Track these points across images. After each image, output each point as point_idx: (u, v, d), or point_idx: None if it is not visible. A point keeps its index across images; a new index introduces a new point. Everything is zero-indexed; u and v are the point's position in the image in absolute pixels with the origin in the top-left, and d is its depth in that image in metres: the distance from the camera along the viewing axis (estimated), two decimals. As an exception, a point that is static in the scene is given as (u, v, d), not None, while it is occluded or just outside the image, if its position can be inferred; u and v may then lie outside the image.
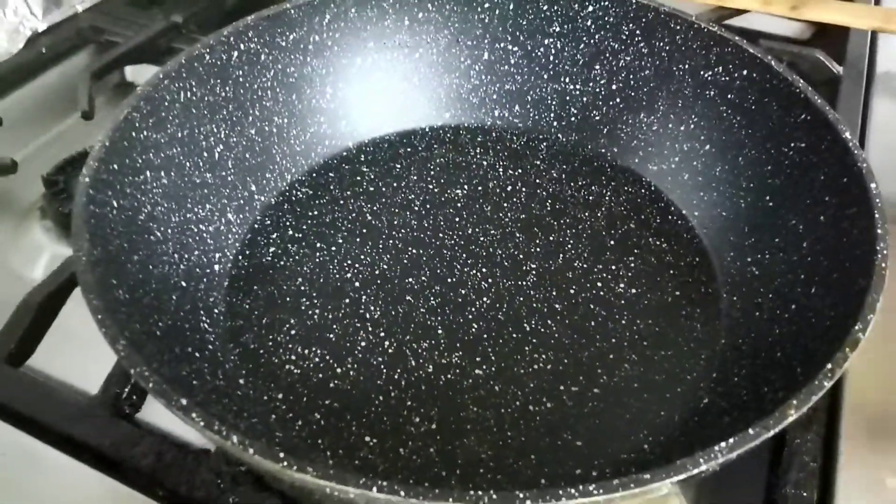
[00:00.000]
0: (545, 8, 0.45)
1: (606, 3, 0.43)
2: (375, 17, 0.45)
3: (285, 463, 0.22)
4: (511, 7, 0.45)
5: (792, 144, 0.37)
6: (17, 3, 0.56)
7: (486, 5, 0.45)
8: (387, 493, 0.21)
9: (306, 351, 0.35)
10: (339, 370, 0.35)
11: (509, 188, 0.44)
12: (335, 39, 0.44)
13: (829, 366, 0.25)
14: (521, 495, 0.21)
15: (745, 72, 0.39)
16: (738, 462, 0.32)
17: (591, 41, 0.45)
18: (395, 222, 0.42)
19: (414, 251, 0.40)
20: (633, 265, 0.40)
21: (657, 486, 0.22)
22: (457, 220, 0.42)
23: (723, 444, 0.23)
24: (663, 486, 0.22)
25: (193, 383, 0.31)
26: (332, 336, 0.36)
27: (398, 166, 0.45)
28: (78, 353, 0.39)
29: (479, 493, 0.21)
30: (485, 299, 0.38)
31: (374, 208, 0.43)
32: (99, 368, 0.36)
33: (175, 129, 0.37)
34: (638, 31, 0.43)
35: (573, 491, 0.21)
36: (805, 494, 0.32)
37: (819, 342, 0.29)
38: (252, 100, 0.42)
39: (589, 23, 0.44)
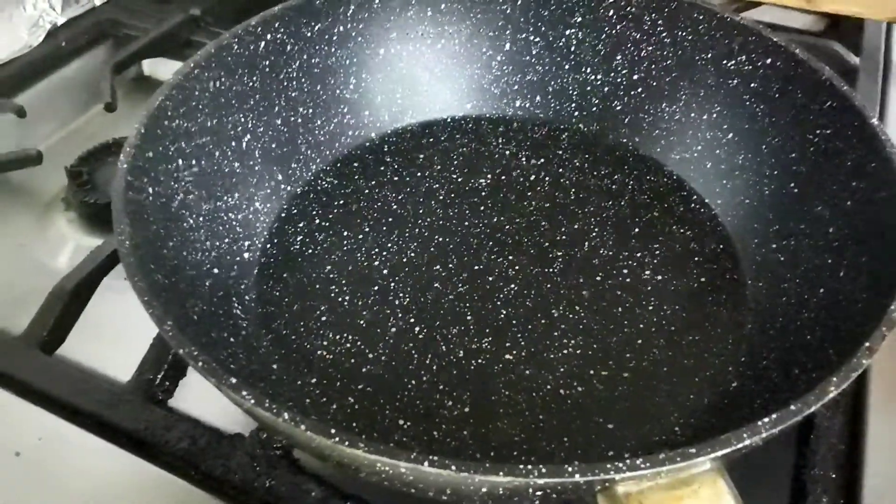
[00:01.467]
0: (567, -2, 0.45)
1: (628, -8, 0.44)
2: (399, 7, 0.45)
3: (337, 438, 0.22)
4: (533, -3, 0.46)
5: (817, 131, 0.37)
6: (37, -4, 0.56)
7: (508, -4, 0.46)
8: (437, 468, 0.22)
9: (338, 337, 0.36)
10: (370, 355, 0.35)
11: (532, 178, 0.44)
12: (359, 30, 0.45)
13: (868, 344, 0.25)
14: (570, 469, 0.22)
15: (768, 60, 0.39)
16: (766, 445, 0.33)
17: (613, 31, 0.45)
18: (421, 211, 0.42)
19: (440, 239, 0.41)
20: (657, 252, 0.40)
21: (702, 460, 0.22)
22: (481, 208, 0.43)
23: (766, 419, 0.23)
24: (708, 460, 0.23)
25: (231, 367, 0.31)
26: (362, 322, 0.36)
27: (421, 156, 0.46)
28: (107, 342, 0.39)
29: (529, 466, 0.21)
30: (512, 286, 0.38)
31: (399, 197, 0.43)
32: (128, 356, 0.36)
33: (205, 119, 0.38)
34: (660, 21, 0.43)
35: (621, 465, 0.22)
36: (833, 476, 0.32)
37: (851, 324, 0.29)
38: (278, 90, 0.42)
39: (611, 13, 0.45)
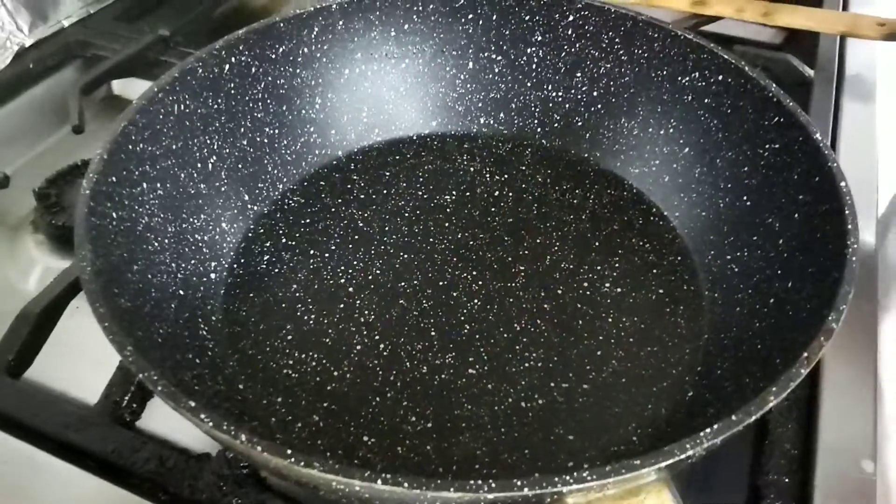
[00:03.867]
0: (527, 18, 0.46)
1: (586, 12, 0.45)
2: (362, 28, 0.46)
3: (292, 459, 0.23)
4: (494, 17, 0.47)
5: (766, 146, 0.38)
6: (4, 18, 0.57)
7: (470, 16, 0.47)
8: (391, 485, 0.22)
9: (303, 355, 0.36)
10: (335, 373, 0.36)
11: (496, 193, 0.45)
12: (323, 51, 0.45)
13: (806, 354, 0.26)
14: (519, 483, 0.22)
15: (720, 77, 0.41)
16: (722, 452, 0.33)
17: (573, 49, 0.46)
18: (386, 228, 0.43)
19: (405, 256, 0.41)
20: (617, 265, 0.41)
21: (647, 471, 0.23)
22: (446, 224, 0.43)
23: (707, 430, 0.24)
24: (653, 471, 0.23)
25: (195, 388, 0.31)
26: (327, 340, 0.37)
27: (387, 174, 0.46)
28: (74, 365, 0.39)
29: (479, 482, 0.22)
30: (475, 301, 0.39)
31: (365, 215, 0.44)
32: (95, 379, 0.37)
33: (169, 142, 0.38)
34: (617, 39, 0.45)
35: (568, 478, 0.23)
36: (787, 480, 0.33)
37: (796, 333, 0.30)
38: (244, 111, 0.42)
39: (570, 31, 0.46)
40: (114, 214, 0.33)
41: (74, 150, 0.53)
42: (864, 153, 0.50)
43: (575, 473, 0.23)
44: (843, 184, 0.32)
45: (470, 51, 0.48)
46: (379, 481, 0.22)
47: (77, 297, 0.40)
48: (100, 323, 0.27)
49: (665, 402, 0.35)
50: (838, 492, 0.33)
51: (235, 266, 0.40)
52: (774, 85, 0.38)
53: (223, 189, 0.41)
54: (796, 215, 0.36)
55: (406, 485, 0.22)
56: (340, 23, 0.45)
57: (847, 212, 0.31)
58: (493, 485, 0.22)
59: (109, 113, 0.58)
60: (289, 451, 0.23)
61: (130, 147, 0.36)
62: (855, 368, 0.37)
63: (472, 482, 0.22)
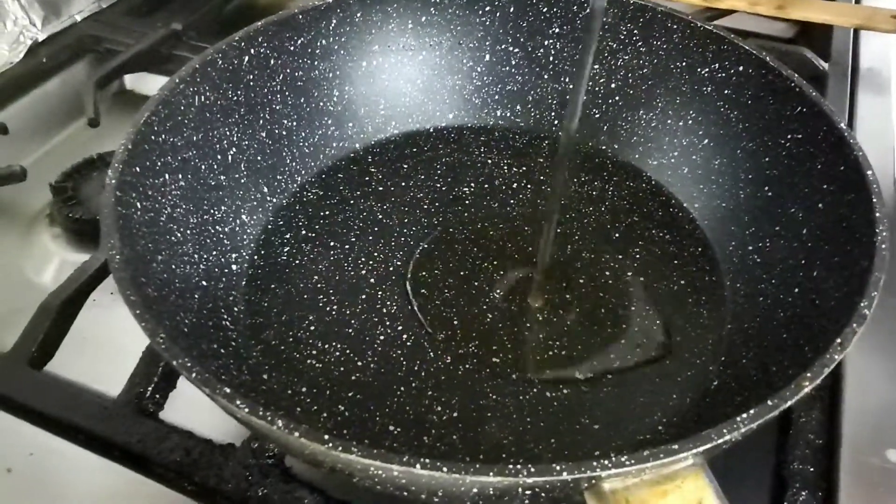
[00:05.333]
0: (544, 10, 0.46)
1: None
2: (380, 21, 0.46)
3: (330, 444, 0.23)
4: (511, 10, 0.47)
5: (788, 136, 0.38)
6: (17, 13, 0.57)
7: (488, 8, 0.47)
8: (430, 470, 0.22)
9: (327, 346, 0.36)
10: (359, 363, 0.36)
11: (514, 185, 0.45)
12: (341, 43, 0.45)
13: (839, 340, 0.26)
14: (558, 468, 0.22)
15: (740, 67, 0.41)
16: (747, 443, 0.33)
17: (590, 41, 0.46)
18: (406, 220, 0.43)
19: (425, 247, 0.41)
20: (638, 256, 0.41)
21: (684, 455, 0.23)
22: (465, 216, 0.43)
23: (744, 414, 0.24)
24: (690, 456, 0.23)
25: (223, 378, 0.31)
26: (350, 331, 0.37)
27: (405, 166, 0.46)
28: (96, 357, 0.39)
29: (518, 466, 0.22)
30: (497, 291, 0.39)
31: (385, 207, 0.44)
32: (117, 371, 0.37)
33: (190, 133, 0.38)
34: (636, 31, 0.45)
35: (607, 462, 0.23)
36: (812, 469, 0.33)
37: (824, 321, 0.30)
38: (262, 104, 0.42)
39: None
40: (138, 205, 0.33)
41: (89, 143, 0.53)
42: (880, 146, 0.50)
43: (613, 458, 0.23)
44: (869, 172, 0.32)
45: (487, 43, 0.48)
46: (418, 466, 0.22)
47: (95, 290, 0.40)
48: (131, 310, 0.26)
49: (690, 392, 0.35)
50: (863, 481, 0.33)
51: (256, 258, 0.40)
52: (797, 75, 0.38)
53: (243, 181, 0.41)
54: (820, 205, 0.36)
55: (445, 469, 0.22)
56: (358, 15, 0.45)
57: (875, 200, 0.31)
58: (533, 469, 0.22)
59: (122, 108, 0.58)
60: (326, 437, 0.23)
61: (153, 138, 0.36)
62: (878, 358, 0.37)
63: (511, 467, 0.22)
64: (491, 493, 0.23)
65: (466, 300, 0.39)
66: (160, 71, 0.57)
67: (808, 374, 0.25)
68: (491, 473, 0.22)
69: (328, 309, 0.38)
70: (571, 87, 0.47)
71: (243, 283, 0.39)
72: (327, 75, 0.45)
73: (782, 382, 0.26)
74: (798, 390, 0.25)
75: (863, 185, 0.32)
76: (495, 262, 0.40)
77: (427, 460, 0.22)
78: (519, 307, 0.38)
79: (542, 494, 0.24)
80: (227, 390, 0.24)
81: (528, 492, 0.23)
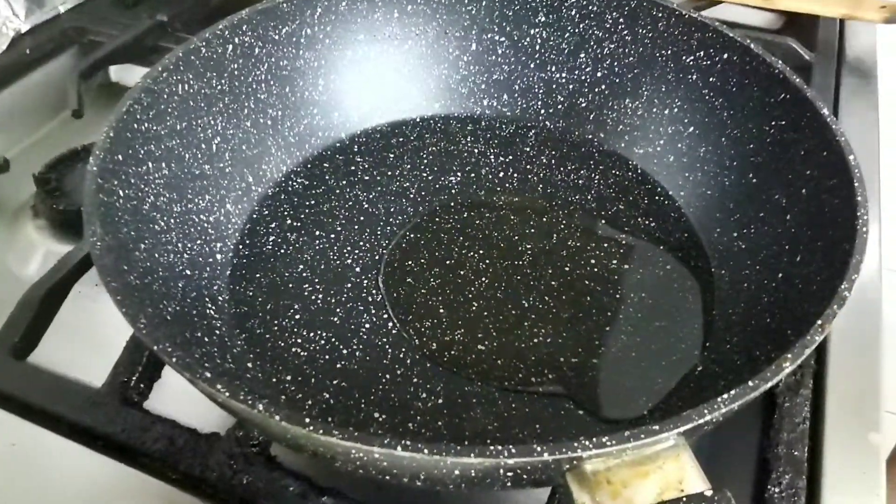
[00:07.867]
0: (530, -1, 0.46)
1: (589, -8, 0.45)
2: (365, 9, 0.46)
3: (311, 427, 0.23)
4: (497, -2, 0.47)
5: (772, 123, 0.38)
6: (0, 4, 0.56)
7: (473, -4, 0.47)
8: (410, 452, 0.22)
9: (311, 334, 0.36)
10: (344, 351, 0.36)
11: (501, 174, 0.45)
12: (326, 32, 0.45)
13: (819, 322, 0.26)
14: (539, 448, 0.22)
15: (725, 55, 0.41)
16: (731, 426, 0.34)
17: (576, 30, 0.46)
18: (392, 209, 0.43)
19: (411, 236, 0.41)
20: (624, 243, 0.41)
21: (665, 436, 0.23)
22: (451, 205, 0.43)
23: (725, 395, 0.24)
24: (671, 436, 0.23)
25: (205, 365, 0.31)
26: (335, 319, 0.37)
27: (391, 156, 0.46)
28: (79, 347, 0.39)
29: (499, 447, 0.22)
30: (483, 279, 0.39)
31: (370, 196, 0.44)
32: (101, 361, 0.36)
33: (174, 122, 0.38)
34: (621, 19, 0.45)
35: (587, 443, 0.23)
36: (796, 453, 0.34)
37: (807, 305, 0.30)
38: (247, 92, 0.42)
39: (573, 12, 0.46)
40: (120, 192, 0.33)
41: (73, 135, 0.52)
42: (864, 136, 0.50)
43: (594, 439, 0.23)
44: (851, 157, 0.33)
45: (473, 32, 0.48)
46: (399, 447, 0.22)
47: (79, 282, 0.40)
48: (112, 297, 0.26)
49: (675, 377, 0.35)
50: (847, 464, 0.33)
51: (241, 247, 0.40)
52: (780, 62, 0.38)
53: (227, 170, 0.41)
54: (803, 191, 0.36)
55: (426, 451, 0.22)
56: (343, 4, 0.45)
57: (857, 184, 0.31)
58: (514, 450, 0.22)
59: (107, 99, 0.58)
60: (307, 420, 0.23)
61: (136, 126, 0.35)
62: (861, 342, 0.37)
63: (492, 448, 0.22)
64: (472, 474, 0.23)
65: (452, 288, 0.38)
66: (145, 62, 0.57)
67: (789, 356, 0.25)
68: (472, 454, 0.22)
69: (313, 297, 0.38)
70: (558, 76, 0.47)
71: (228, 272, 0.39)
72: (312, 64, 0.45)
73: (766, 366, 0.26)
74: (779, 371, 0.25)
75: (845, 170, 0.32)
76: (481, 251, 0.40)
77: (408, 442, 0.22)
78: (504, 294, 0.38)
79: (524, 476, 0.24)
80: (208, 375, 0.24)
81: (509, 473, 0.23)
